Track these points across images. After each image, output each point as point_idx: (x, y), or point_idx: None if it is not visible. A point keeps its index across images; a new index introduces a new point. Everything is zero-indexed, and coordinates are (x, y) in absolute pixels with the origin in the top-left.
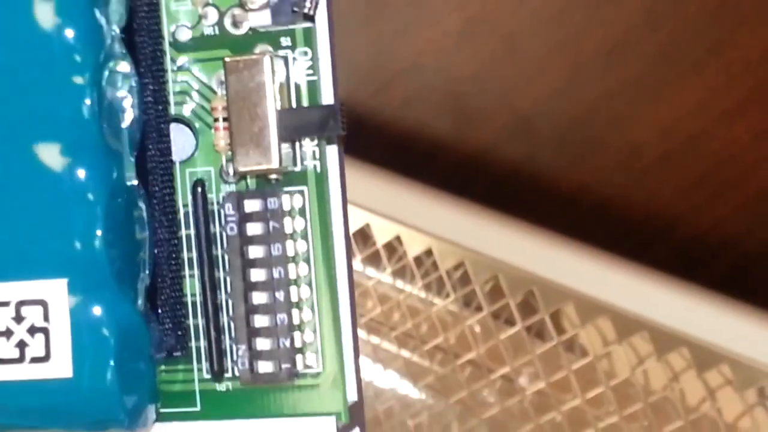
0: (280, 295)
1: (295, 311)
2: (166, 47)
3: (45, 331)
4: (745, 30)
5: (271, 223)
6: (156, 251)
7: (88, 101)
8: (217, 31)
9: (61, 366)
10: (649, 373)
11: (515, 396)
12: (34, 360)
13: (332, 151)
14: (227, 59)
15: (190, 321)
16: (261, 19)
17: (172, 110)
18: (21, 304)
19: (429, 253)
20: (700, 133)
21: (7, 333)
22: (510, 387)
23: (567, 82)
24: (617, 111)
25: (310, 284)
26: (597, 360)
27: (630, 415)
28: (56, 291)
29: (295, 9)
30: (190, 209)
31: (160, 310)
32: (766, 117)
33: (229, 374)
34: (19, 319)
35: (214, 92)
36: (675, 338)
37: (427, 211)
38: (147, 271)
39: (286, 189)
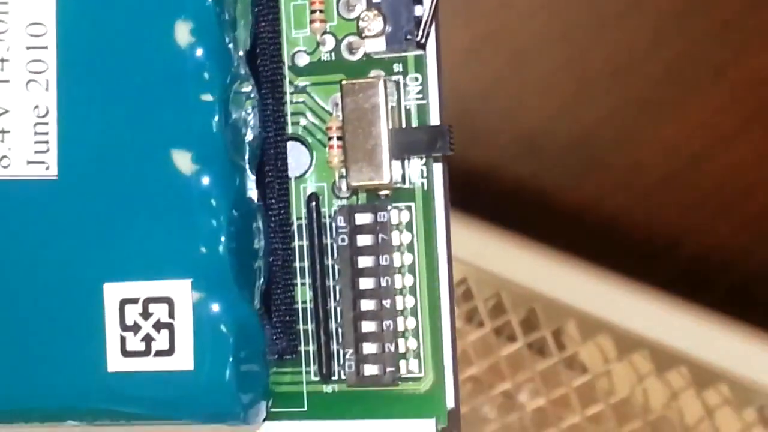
0: (386, 303)
1: (400, 319)
2: (286, 71)
3: (170, 326)
4: (748, 51)
5: (380, 236)
6: (271, 260)
7: (216, 117)
8: (333, 57)
9: (183, 359)
10: (648, 392)
11: (515, 412)
12: (159, 353)
13: (438, 169)
14: (344, 82)
15: (300, 326)
16: (376, 45)
17: (289, 129)
18: (148, 301)
19: None
20: (702, 153)
21: (135, 328)
22: (510, 403)
23: (572, 101)
24: (621, 130)
25: (414, 294)
26: (597, 377)
27: None
28: (181, 290)
29: (409, 37)
30: (304, 221)
31: (273, 316)
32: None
33: (335, 377)
34: (146, 315)
35: (329, 113)
36: (675, 357)
37: None
38: (262, 279)
39: (394, 204)
